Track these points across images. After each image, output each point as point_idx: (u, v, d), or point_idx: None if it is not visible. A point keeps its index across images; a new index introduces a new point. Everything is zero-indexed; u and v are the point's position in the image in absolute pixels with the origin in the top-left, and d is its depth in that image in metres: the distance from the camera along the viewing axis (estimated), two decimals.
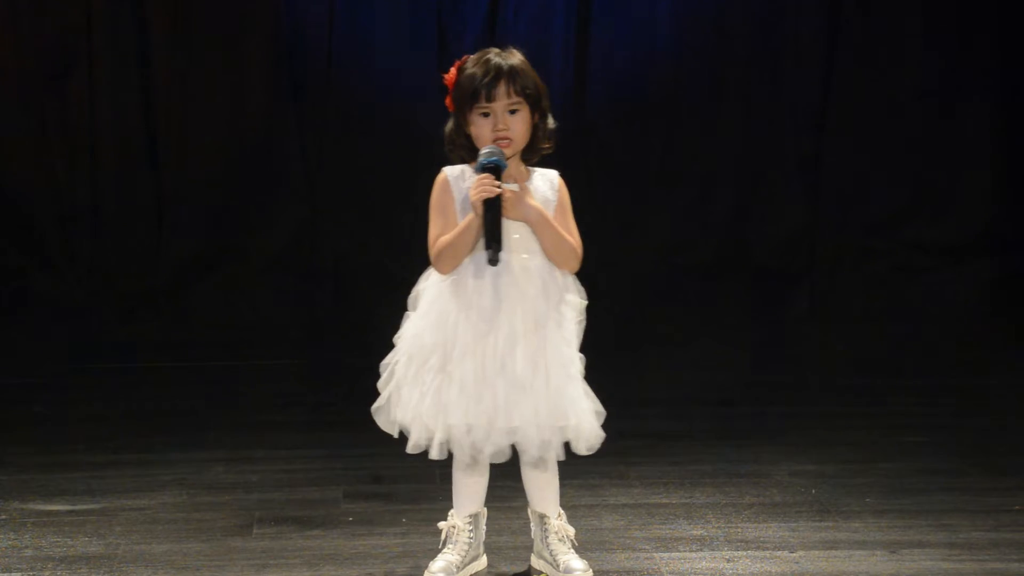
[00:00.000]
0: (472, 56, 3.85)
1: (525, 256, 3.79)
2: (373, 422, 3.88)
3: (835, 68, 7.60)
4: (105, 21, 7.30)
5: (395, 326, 3.92)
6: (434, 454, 3.78)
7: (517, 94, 3.77)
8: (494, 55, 3.81)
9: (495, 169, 3.73)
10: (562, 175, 3.90)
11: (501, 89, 3.76)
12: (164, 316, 7.32)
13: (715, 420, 5.63)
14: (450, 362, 3.75)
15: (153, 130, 7.41)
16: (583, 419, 3.79)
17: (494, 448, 3.76)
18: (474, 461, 3.84)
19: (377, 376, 3.90)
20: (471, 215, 3.75)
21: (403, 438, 3.84)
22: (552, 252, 3.81)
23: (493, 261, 3.70)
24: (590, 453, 3.84)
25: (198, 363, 6.63)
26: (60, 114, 7.35)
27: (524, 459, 3.84)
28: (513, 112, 3.78)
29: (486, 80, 3.76)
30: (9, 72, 7.29)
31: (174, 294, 7.40)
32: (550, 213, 3.82)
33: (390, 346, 3.92)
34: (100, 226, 7.41)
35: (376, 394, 3.87)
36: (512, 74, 3.77)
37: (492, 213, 3.70)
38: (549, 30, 7.43)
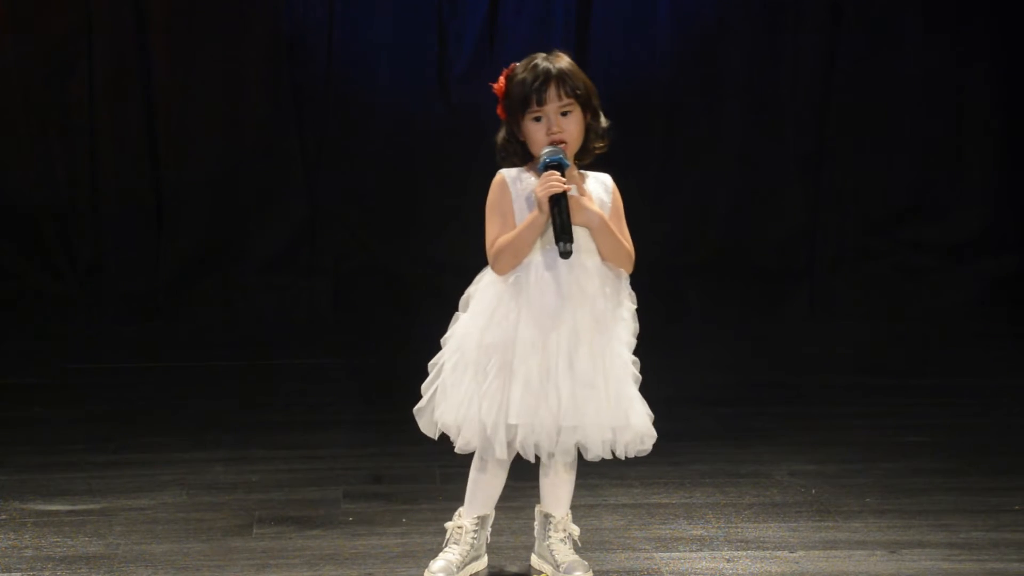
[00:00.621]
0: (520, 63, 3.84)
1: (585, 256, 3.79)
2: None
3: (835, 68, 7.60)
4: (105, 21, 7.30)
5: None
6: (501, 454, 3.77)
7: (568, 96, 3.77)
8: (541, 59, 3.80)
9: (558, 167, 3.74)
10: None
11: (552, 92, 3.76)
12: (164, 316, 7.33)
13: (715, 420, 5.63)
14: (514, 360, 3.74)
15: (153, 130, 7.41)
16: (639, 421, 3.81)
17: (563, 448, 3.77)
18: (509, 462, 3.84)
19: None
20: (533, 213, 3.74)
21: (438, 440, 3.84)
22: (610, 256, 3.82)
23: (566, 254, 3.69)
24: (642, 455, 3.84)
25: (198, 363, 6.63)
26: (60, 114, 7.36)
27: (588, 458, 3.83)
28: (565, 114, 3.78)
29: (536, 84, 3.76)
30: (9, 72, 7.29)
31: (174, 294, 7.41)
32: (606, 213, 3.83)
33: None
34: (100, 226, 7.41)
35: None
36: (561, 76, 3.76)
37: (559, 208, 3.71)
38: (549, 30, 7.43)
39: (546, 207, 3.71)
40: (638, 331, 3.88)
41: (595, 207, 3.80)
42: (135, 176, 7.43)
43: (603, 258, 3.82)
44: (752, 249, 7.67)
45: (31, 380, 6.31)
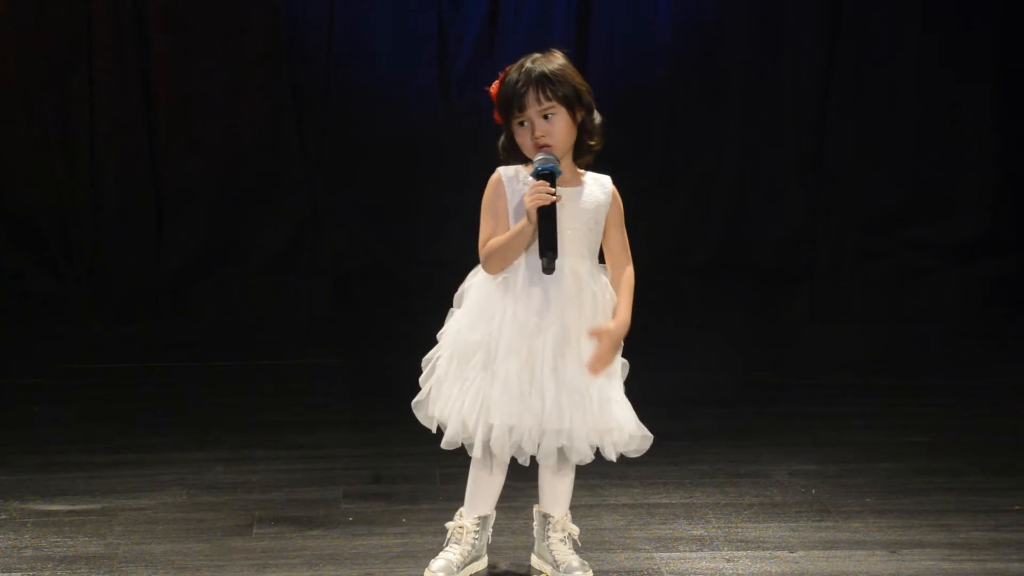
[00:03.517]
0: (515, 64, 3.83)
1: (576, 260, 3.79)
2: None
3: (835, 68, 7.60)
4: (105, 21, 7.30)
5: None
6: (477, 453, 3.77)
7: (548, 99, 3.74)
8: (529, 61, 3.78)
9: (550, 176, 3.72)
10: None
11: (531, 96, 3.74)
12: (164, 316, 7.32)
13: (715, 420, 5.63)
14: (494, 361, 3.74)
15: (153, 130, 7.41)
16: (627, 424, 3.80)
17: (545, 451, 3.76)
18: (507, 461, 3.83)
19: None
20: (522, 222, 3.73)
21: (439, 433, 3.84)
22: None
23: (548, 269, 3.68)
24: (639, 455, 3.84)
25: (198, 363, 6.63)
26: (60, 114, 7.35)
27: (572, 461, 3.83)
28: (548, 117, 3.76)
29: (517, 88, 3.75)
30: (9, 72, 7.29)
31: (174, 294, 7.40)
32: (602, 217, 3.82)
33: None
34: (100, 226, 7.41)
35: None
36: (541, 80, 3.74)
37: (547, 220, 3.69)
38: (549, 30, 7.43)
39: (534, 217, 3.70)
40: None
41: (615, 325, 3.78)
42: (135, 176, 7.43)
43: None
44: (752, 249, 7.67)
45: (31, 380, 6.30)
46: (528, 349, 3.73)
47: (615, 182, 3.91)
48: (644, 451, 3.86)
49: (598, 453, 3.82)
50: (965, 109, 7.69)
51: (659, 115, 7.59)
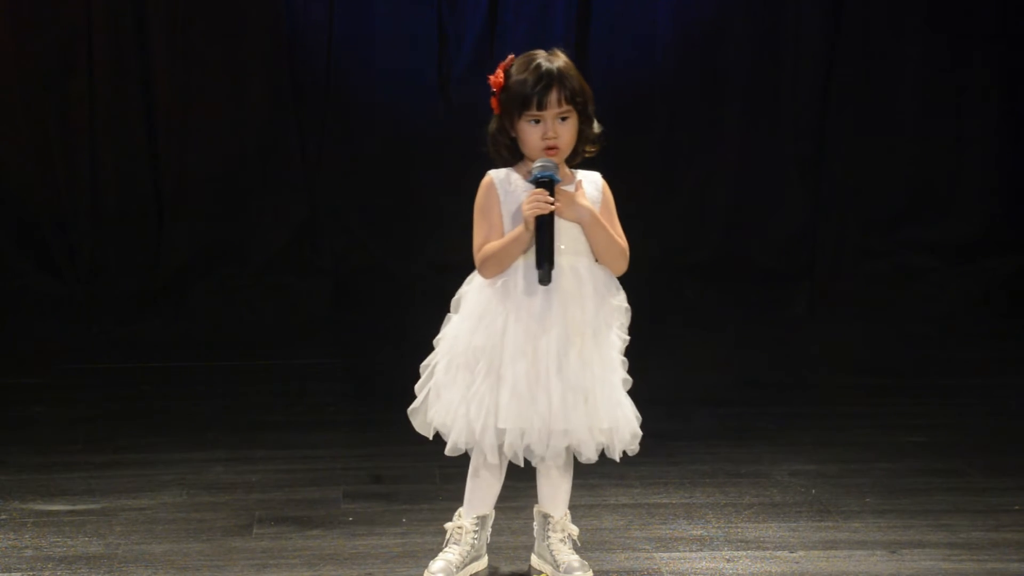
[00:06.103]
0: (518, 58, 3.80)
1: (575, 258, 3.78)
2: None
3: (835, 68, 7.60)
4: (105, 21, 7.30)
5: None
6: (492, 459, 3.78)
7: (567, 102, 3.74)
8: (543, 60, 3.76)
9: (549, 183, 3.70)
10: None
11: (552, 97, 3.73)
12: (164, 316, 7.32)
13: (715, 420, 5.63)
14: (501, 365, 3.73)
15: (153, 130, 7.41)
16: (627, 423, 3.81)
17: (553, 452, 3.77)
18: (523, 464, 3.83)
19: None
20: (519, 228, 3.72)
21: (437, 440, 3.84)
22: (603, 253, 3.80)
23: (544, 280, 3.68)
24: (633, 454, 3.85)
25: (198, 363, 6.63)
26: (60, 114, 7.35)
27: (580, 460, 3.83)
28: (563, 120, 3.75)
29: (538, 88, 3.72)
30: (9, 72, 7.29)
31: (174, 294, 7.40)
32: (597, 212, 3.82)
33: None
34: (100, 226, 7.41)
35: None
36: (562, 80, 3.73)
37: (545, 230, 3.67)
38: (549, 30, 7.43)
39: (531, 226, 3.69)
40: (627, 326, 3.86)
41: (587, 202, 3.78)
42: (135, 176, 7.43)
43: (596, 255, 3.81)
44: (752, 249, 7.67)
45: (31, 380, 6.30)
46: (533, 350, 3.73)
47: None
48: (636, 450, 3.85)
49: (602, 453, 3.83)
50: (965, 109, 7.69)
51: (659, 115, 7.60)
